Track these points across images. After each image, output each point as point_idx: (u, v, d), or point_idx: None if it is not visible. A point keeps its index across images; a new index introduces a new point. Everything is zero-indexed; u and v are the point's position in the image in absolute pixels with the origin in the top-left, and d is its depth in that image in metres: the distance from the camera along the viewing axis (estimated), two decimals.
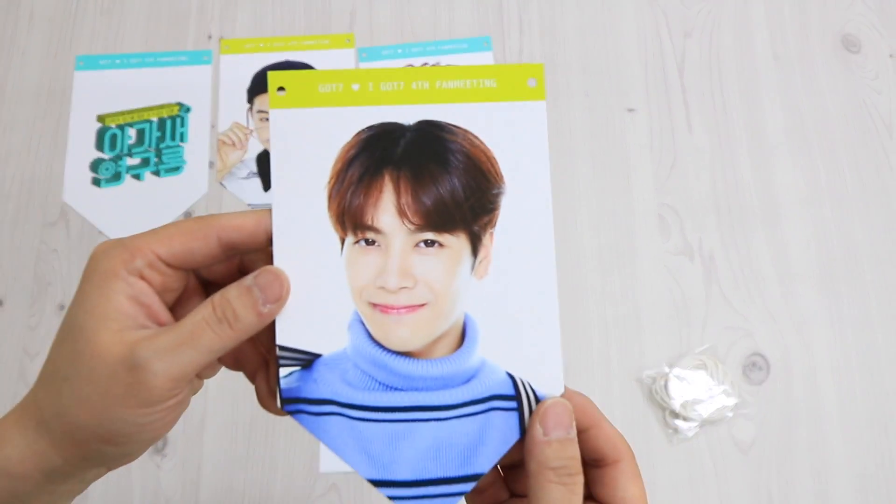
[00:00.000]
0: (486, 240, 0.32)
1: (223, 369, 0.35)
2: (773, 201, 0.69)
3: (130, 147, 0.73)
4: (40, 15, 0.77)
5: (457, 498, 0.31)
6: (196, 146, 0.73)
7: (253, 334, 0.30)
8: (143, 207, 0.71)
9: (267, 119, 0.74)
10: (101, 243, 0.30)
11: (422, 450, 0.31)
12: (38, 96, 0.74)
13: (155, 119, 0.74)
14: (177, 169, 0.72)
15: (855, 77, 0.73)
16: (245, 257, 0.33)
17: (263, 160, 0.73)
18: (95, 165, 0.72)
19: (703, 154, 0.71)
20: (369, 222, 0.31)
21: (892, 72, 0.74)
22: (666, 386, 0.62)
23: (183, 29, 0.77)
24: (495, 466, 0.33)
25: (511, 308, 0.31)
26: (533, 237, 0.32)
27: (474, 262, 0.32)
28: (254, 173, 0.72)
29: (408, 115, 0.32)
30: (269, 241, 0.31)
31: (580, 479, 0.29)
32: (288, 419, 0.31)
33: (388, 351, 0.31)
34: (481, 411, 0.31)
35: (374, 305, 0.31)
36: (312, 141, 0.32)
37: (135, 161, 0.72)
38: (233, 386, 0.64)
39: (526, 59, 0.75)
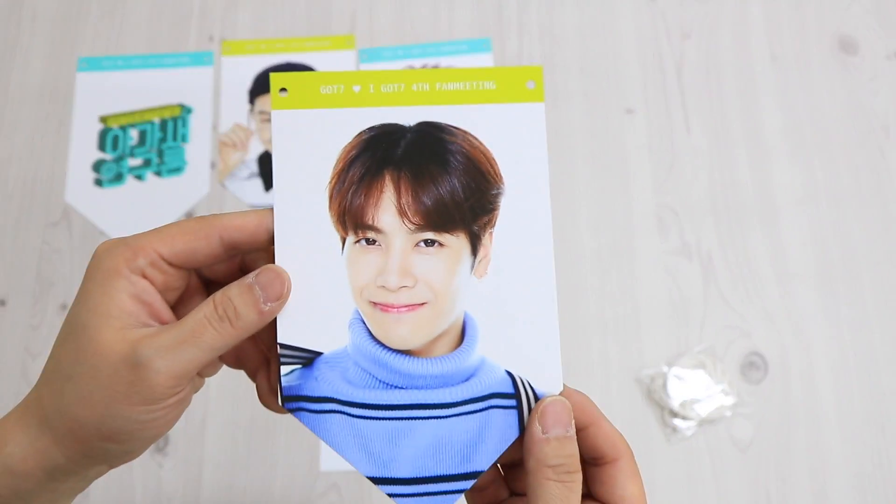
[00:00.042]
0: (485, 239, 0.32)
1: (225, 369, 0.35)
2: (770, 202, 0.70)
3: (132, 148, 0.73)
4: (43, 16, 0.78)
5: (457, 495, 0.31)
6: (197, 147, 0.73)
7: (254, 332, 0.30)
8: (144, 208, 0.71)
9: (268, 120, 0.74)
10: (104, 242, 0.30)
11: (422, 447, 0.31)
12: (40, 97, 0.75)
13: (157, 120, 0.74)
14: (178, 170, 0.73)
15: (852, 78, 0.74)
16: (246, 257, 0.34)
17: (264, 161, 0.73)
18: (98, 166, 0.72)
19: (701, 155, 0.72)
20: (370, 222, 0.32)
21: (889, 73, 0.74)
22: (664, 385, 0.63)
23: (184, 30, 0.77)
24: (495, 465, 0.33)
25: (510, 307, 0.32)
26: (532, 237, 0.32)
27: (474, 261, 0.32)
28: (255, 174, 0.72)
29: (408, 116, 0.32)
30: (271, 241, 0.32)
31: (579, 476, 0.30)
32: (288, 418, 0.32)
33: (389, 349, 0.31)
34: (481, 409, 0.31)
35: (375, 304, 0.32)
36: (314, 141, 0.32)
37: (137, 162, 0.73)
38: (233, 386, 0.64)
39: (525, 61, 0.75)
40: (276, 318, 0.31)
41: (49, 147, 0.73)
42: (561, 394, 0.31)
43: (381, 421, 0.31)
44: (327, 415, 0.31)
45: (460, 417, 0.31)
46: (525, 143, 0.32)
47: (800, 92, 0.73)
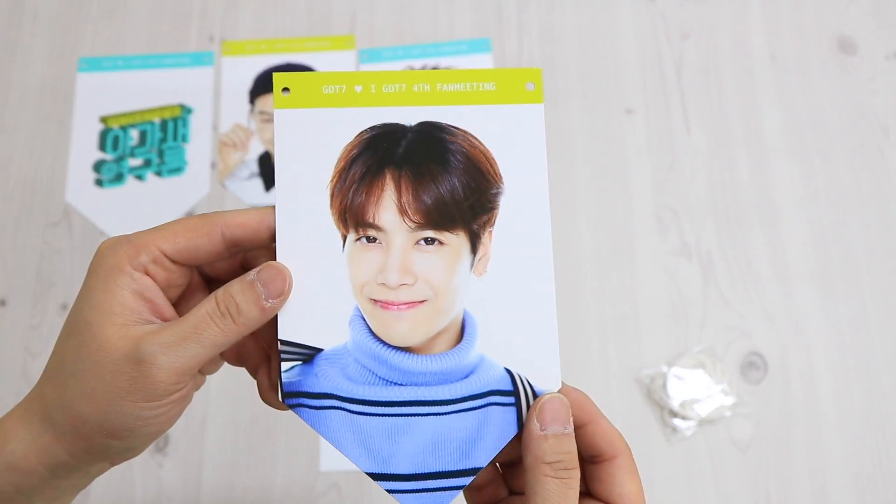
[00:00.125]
0: (485, 238, 0.32)
1: (225, 370, 0.36)
2: (770, 202, 0.70)
3: (133, 148, 0.73)
4: (44, 16, 0.78)
5: (455, 491, 0.31)
6: (198, 147, 0.73)
7: (256, 329, 0.31)
8: (145, 208, 0.72)
9: (268, 120, 0.74)
10: (107, 239, 0.31)
11: (421, 444, 0.31)
12: (41, 97, 0.75)
13: (157, 120, 0.74)
14: (178, 170, 0.73)
15: (851, 79, 0.74)
16: (248, 254, 0.34)
17: (264, 161, 0.73)
18: (98, 166, 0.73)
19: (700, 155, 0.72)
20: (371, 220, 0.32)
21: (889, 73, 0.74)
22: (664, 385, 0.63)
23: (185, 31, 0.77)
24: (493, 463, 0.33)
25: (509, 305, 0.32)
26: (531, 236, 0.32)
27: (473, 259, 0.32)
28: (255, 174, 0.73)
29: (409, 116, 0.33)
30: (272, 238, 0.32)
31: (576, 473, 0.30)
32: (288, 417, 0.32)
33: (389, 346, 0.32)
34: (479, 406, 0.32)
35: (375, 301, 0.32)
36: (316, 140, 0.32)
37: (137, 162, 0.73)
38: (234, 386, 0.64)
39: (525, 61, 0.75)
40: (277, 315, 0.31)
41: (49, 147, 0.73)
42: (559, 391, 0.32)
43: (381, 417, 0.31)
44: (327, 411, 0.32)
45: (459, 414, 0.31)
46: (524, 143, 0.33)
47: (799, 92, 0.74)
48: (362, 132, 0.32)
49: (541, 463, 0.29)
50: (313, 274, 0.32)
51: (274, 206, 0.32)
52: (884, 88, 0.74)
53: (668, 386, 0.63)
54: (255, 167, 0.73)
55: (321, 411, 0.32)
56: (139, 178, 0.72)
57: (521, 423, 0.32)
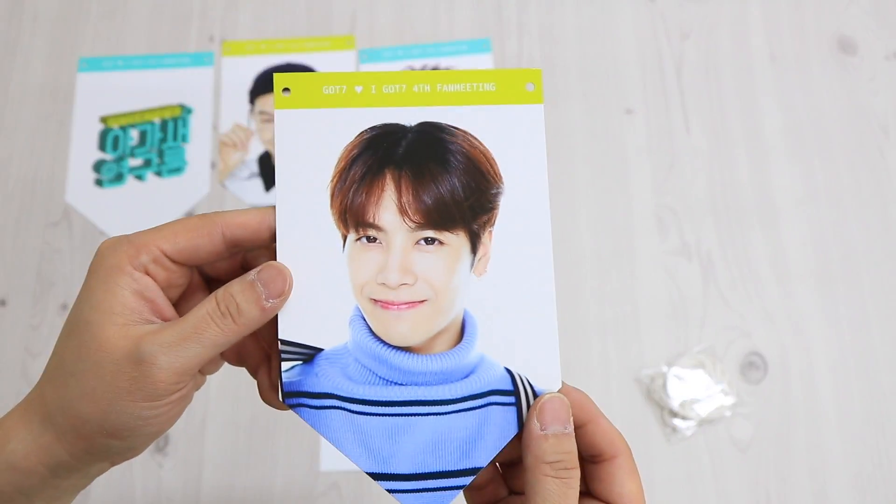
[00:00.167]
0: (485, 238, 0.32)
1: (225, 370, 0.36)
2: (770, 202, 0.70)
3: (133, 148, 0.73)
4: (44, 16, 0.78)
5: (455, 491, 0.31)
6: (198, 147, 0.73)
7: (256, 329, 0.31)
8: (145, 208, 0.72)
9: (268, 120, 0.74)
10: (107, 239, 0.31)
11: (421, 444, 0.31)
12: (41, 97, 0.75)
13: (157, 120, 0.74)
14: (178, 170, 0.73)
15: (851, 79, 0.74)
16: (248, 254, 0.34)
17: (264, 161, 0.73)
18: (98, 166, 0.73)
19: (700, 155, 0.72)
20: (371, 220, 0.32)
21: (889, 73, 0.74)
22: (664, 385, 0.63)
23: (185, 31, 0.77)
24: (493, 463, 0.33)
25: (509, 305, 0.32)
26: (531, 236, 0.32)
27: (473, 259, 0.32)
28: (255, 174, 0.73)
29: (409, 116, 0.33)
30: (273, 238, 0.32)
31: (576, 473, 0.30)
32: (288, 417, 0.32)
33: (389, 346, 0.32)
34: (480, 406, 0.32)
35: (375, 301, 0.32)
36: (316, 140, 0.32)
37: (137, 162, 0.73)
38: (234, 386, 0.64)
39: (525, 61, 0.75)
40: (277, 315, 0.31)
41: (49, 147, 0.73)
42: (559, 391, 0.32)
43: (381, 417, 0.31)
44: (327, 411, 0.32)
45: (459, 414, 0.31)
46: (524, 143, 0.33)
47: (799, 92, 0.74)
48: (362, 132, 0.32)
49: (541, 462, 0.29)
50: (313, 274, 0.32)
51: (274, 206, 0.32)
52: (884, 88, 0.74)
53: (668, 386, 0.63)
54: (255, 167, 0.73)
55: (321, 411, 0.32)
56: (139, 178, 0.73)
57: (521, 423, 0.32)
